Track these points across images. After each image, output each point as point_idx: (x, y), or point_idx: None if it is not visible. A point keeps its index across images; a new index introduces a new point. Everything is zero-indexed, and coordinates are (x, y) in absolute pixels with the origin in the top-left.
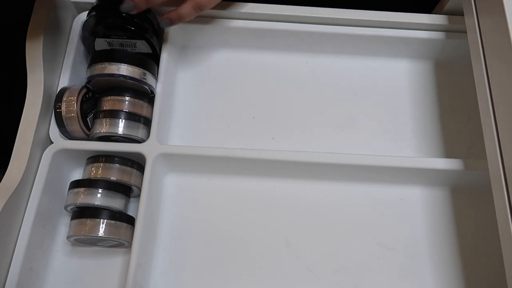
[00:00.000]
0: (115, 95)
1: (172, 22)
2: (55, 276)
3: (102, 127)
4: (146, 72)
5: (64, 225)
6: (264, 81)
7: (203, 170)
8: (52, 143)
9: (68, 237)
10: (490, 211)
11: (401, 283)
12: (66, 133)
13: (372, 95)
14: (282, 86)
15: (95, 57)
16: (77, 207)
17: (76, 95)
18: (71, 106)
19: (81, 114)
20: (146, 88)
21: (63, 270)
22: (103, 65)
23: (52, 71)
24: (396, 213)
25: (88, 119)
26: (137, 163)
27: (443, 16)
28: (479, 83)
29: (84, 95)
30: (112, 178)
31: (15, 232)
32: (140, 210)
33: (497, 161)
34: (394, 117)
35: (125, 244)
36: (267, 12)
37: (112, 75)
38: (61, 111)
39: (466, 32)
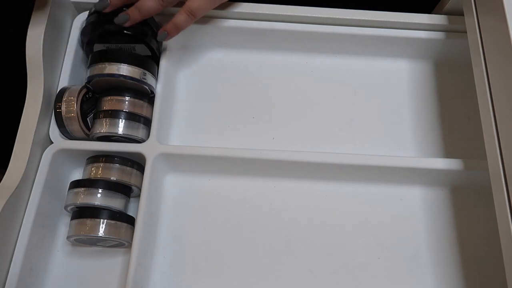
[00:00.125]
0: (115, 95)
1: (169, 34)
2: (55, 276)
3: (102, 127)
4: (146, 72)
5: (64, 225)
6: (264, 81)
7: (203, 170)
8: (52, 143)
9: (68, 237)
10: (490, 211)
11: (401, 283)
12: (66, 133)
13: (372, 95)
14: (282, 86)
15: (95, 57)
16: (77, 207)
17: (76, 95)
18: (71, 106)
19: (81, 114)
20: (146, 88)
21: (63, 270)
22: (103, 65)
23: (52, 71)
24: (396, 213)
25: (88, 119)
26: (137, 163)
27: (443, 16)
28: (479, 83)
29: (84, 95)
30: (112, 178)
31: (15, 232)
32: (140, 210)
33: (497, 161)
34: (394, 117)
35: (125, 244)
36: (267, 12)
37: (112, 75)
38: (61, 111)
39: (466, 32)
